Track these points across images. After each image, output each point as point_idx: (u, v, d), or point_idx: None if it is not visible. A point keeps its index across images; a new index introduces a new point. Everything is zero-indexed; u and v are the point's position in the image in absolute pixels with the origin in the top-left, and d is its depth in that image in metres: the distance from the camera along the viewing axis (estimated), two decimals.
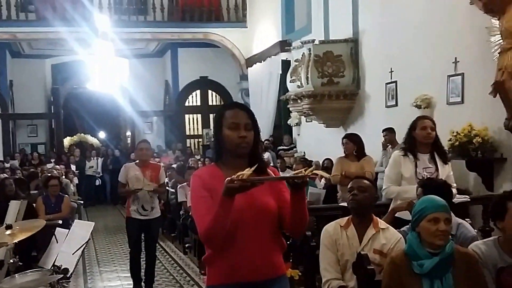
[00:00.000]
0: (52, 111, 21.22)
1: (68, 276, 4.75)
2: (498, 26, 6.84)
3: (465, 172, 7.54)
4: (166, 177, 9.90)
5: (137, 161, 7.56)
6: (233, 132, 2.89)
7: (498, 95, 6.88)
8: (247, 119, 2.94)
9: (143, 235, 7.57)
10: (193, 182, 3.00)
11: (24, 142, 20.86)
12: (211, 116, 20.86)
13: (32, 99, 20.29)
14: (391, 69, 9.64)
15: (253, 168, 2.63)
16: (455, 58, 8.01)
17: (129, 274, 8.09)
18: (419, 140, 5.28)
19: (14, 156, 18.52)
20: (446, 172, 5.28)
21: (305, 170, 2.72)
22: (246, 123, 2.92)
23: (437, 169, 5.25)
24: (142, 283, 7.59)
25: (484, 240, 3.81)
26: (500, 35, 6.79)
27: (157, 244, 8.09)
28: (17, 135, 20.88)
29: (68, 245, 5.30)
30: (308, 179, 2.73)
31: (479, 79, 7.53)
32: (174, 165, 14.27)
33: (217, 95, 20.94)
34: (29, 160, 18.46)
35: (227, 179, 2.60)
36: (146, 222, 7.35)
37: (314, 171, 2.73)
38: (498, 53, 6.82)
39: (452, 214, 3.59)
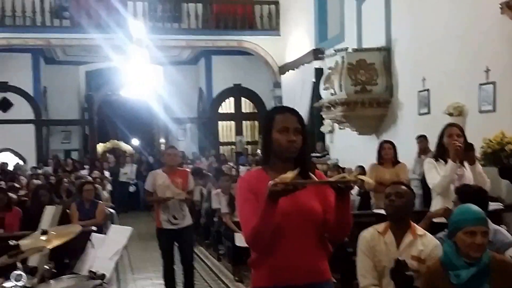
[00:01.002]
0: (86, 118, 21.40)
1: (105, 282, 4.60)
2: None
3: (497, 180, 7.66)
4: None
5: (164, 167, 7.32)
6: (283, 136, 2.91)
7: None
8: (297, 123, 2.96)
9: (176, 245, 7.31)
10: (240, 185, 3.03)
11: (57, 149, 20.99)
12: (244, 123, 21.25)
13: (66, 106, 20.51)
14: (423, 77, 9.92)
15: (295, 171, 2.63)
16: (487, 66, 8.25)
17: (163, 281, 8.12)
18: (447, 147, 5.43)
19: (48, 162, 18.69)
20: (474, 171, 5.45)
21: (349, 174, 2.74)
22: (295, 128, 2.93)
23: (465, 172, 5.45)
24: None
25: None
26: None
27: (193, 254, 7.77)
28: (51, 141, 21.07)
29: (105, 250, 5.27)
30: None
31: (511, 88, 7.77)
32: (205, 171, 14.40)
33: (250, 102, 21.18)
34: (62, 167, 18.36)
35: (270, 182, 2.61)
36: (178, 231, 7.08)
37: (357, 176, 2.82)
38: None
39: (488, 220, 3.65)
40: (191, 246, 7.57)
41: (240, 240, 8.42)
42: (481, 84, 8.40)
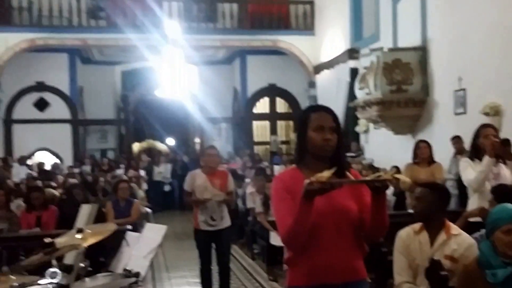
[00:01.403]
0: (122, 117, 21.67)
1: (140, 280, 4.58)
2: None
3: None
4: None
5: (203, 168, 7.17)
6: (318, 135, 2.92)
7: None
8: (332, 122, 2.96)
9: (214, 246, 7.19)
10: (275, 184, 3.03)
11: (93, 148, 21.31)
12: (279, 123, 21.27)
13: (102, 105, 20.74)
14: (459, 76, 9.91)
15: (332, 170, 2.64)
16: None
17: (199, 280, 8.13)
18: (482, 148, 5.46)
19: (84, 161, 18.89)
20: (509, 170, 5.53)
21: (384, 173, 2.76)
22: (331, 126, 2.94)
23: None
24: None
25: None
26: None
27: (230, 256, 7.59)
28: (87, 141, 21.32)
29: (140, 248, 5.27)
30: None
31: None
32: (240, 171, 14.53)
33: (285, 102, 21.20)
34: (99, 166, 18.46)
35: (306, 181, 2.62)
36: (216, 233, 6.99)
37: (394, 175, 2.76)
38: None
39: None
40: (229, 248, 7.41)
41: (275, 239, 8.50)
42: None
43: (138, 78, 21.60)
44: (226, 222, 7.11)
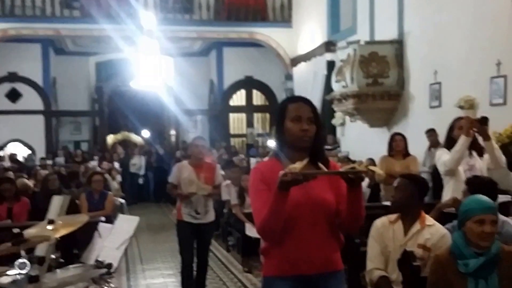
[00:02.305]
0: (96, 109, 21.58)
1: (112, 271, 4.51)
2: None
3: (506, 172, 7.59)
4: None
5: (190, 159, 6.94)
6: (295, 125, 2.95)
7: None
8: (310, 112, 2.99)
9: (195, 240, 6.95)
10: (253, 175, 3.06)
11: (67, 139, 21.21)
12: (255, 115, 21.38)
13: (76, 97, 20.65)
14: (435, 70, 10.08)
15: (305, 162, 2.68)
16: (498, 60, 8.42)
17: (173, 272, 8.25)
18: (457, 140, 5.56)
19: (57, 153, 18.90)
20: (484, 163, 5.64)
21: (359, 165, 2.79)
22: (308, 117, 2.97)
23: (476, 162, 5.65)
24: None
25: None
26: None
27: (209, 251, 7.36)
28: (60, 132, 21.21)
29: (112, 240, 5.16)
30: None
31: None
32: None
33: (261, 94, 21.31)
34: (72, 158, 18.60)
35: (280, 172, 2.65)
36: (199, 226, 6.75)
37: (368, 167, 2.79)
38: None
39: (497, 211, 3.74)
40: (209, 244, 7.18)
41: (250, 230, 8.65)
42: (492, 77, 8.57)
43: (113, 69, 21.53)
44: (211, 216, 6.88)
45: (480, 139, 5.67)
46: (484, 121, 5.53)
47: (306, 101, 3.05)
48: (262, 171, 3.02)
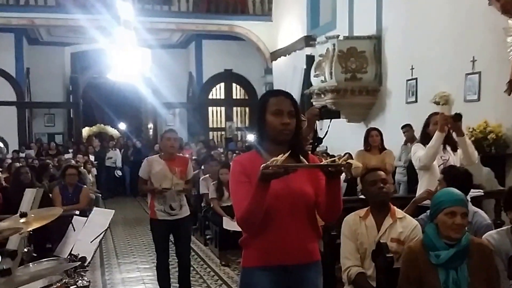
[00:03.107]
0: (71, 101, 21.56)
1: (85, 264, 4.57)
2: None
3: (479, 167, 8.04)
4: None
5: (162, 153, 6.80)
6: (276, 119, 3.06)
7: None
8: (291, 106, 3.09)
9: (172, 239, 6.86)
10: (234, 167, 3.15)
11: (40, 132, 21.25)
12: (235, 109, 21.60)
13: (50, 88, 20.67)
14: (412, 66, 10.39)
15: (286, 154, 2.76)
16: (473, 57, 8.72)
17: (149, 266, 8.36)
18: (432, 135, 5.82)
19: (30, 145, 18.88)
20: (458, 158, 5.88)
21: (339, 159, 2.87)
22: (289, 111, 3.07)
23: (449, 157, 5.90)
24: None
25: (498, 230, 4.07)
26: None
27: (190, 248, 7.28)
28: (33, 124, 21.23)
29: (86, 233, 5.20)
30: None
31: (495, 78, 8.22)
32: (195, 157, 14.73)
33: (241, 88, 21.52)
34: (46, 150, 18.65)
35: (262, 165, 2.74)
36: (175, 222, 6.61)
37: (347, 160, 2.86)
38: None
39: (469, 203, 3.97)
40: (189, 239, 7.05)
41: (228, 223, 8.86)
42: (467, 74, 8.86)
43: (89, 60, 21.50)
44: (186, 211, 6.73)
45: (454, 135, 5.89)
46: (458, 117, 5.72)
47: (287, 95, 3.17)
48: (242, 164, 3.13)
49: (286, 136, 3.08)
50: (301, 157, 3.01)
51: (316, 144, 4.61)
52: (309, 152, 3.35)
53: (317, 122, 4.83)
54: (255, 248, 3.13)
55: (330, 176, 2.91)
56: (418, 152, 5.92)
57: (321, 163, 3.08)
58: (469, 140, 6.11)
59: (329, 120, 4.71)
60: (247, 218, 2.97)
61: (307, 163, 2.98)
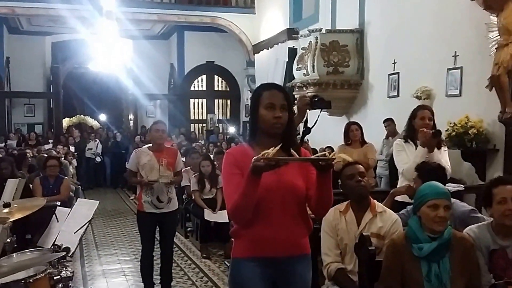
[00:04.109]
0: (51, 91, 21.38)
1: (69, 255, 4.57)
2: (496, 22, 7.55)
3: (460, 162, 8.23)
4: None
5: (150, 145, 6.76)
6: (269, 112, 3.10)
7: (493, 88, 7.59)
8: (283, 100, 3.14)
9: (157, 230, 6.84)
10: (226, 159, 3.19)
11: (20, 122, 21.11)
12: (216, 101, 21.60)
13: (30, 78, 20.58)
14: (394, 60, 10.44)
15: (277, 147, 2.80)
16: (455, 52, 8.77)
17: (129, 258, 8.31)
18: (418, 129, 5.75)
19: (9, 136, 18.69)
20: (440, 155, 5.78)
21: (329, 153, 2.89)
22: (282, 104, 3.12)
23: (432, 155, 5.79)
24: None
25: (479, 224, 4.06)
26: (497, 32, 7.52)
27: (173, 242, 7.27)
28: (13, 114, 21.10)
29: (70, 224, 5.15)
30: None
31: (477, 73, 8.27)
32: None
33: (223, 80, 21.49)
34: (25, 141, 18.50)
35: (254, 157, 2.80)
36: (162, 215, 6.60)
37: (339, 155, 2.97)
38: (495, 48, 7.53)
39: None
40: (174, 233, 7.10)
41: (209, 215, 8.89)
42: (449, 69, 8.91)
43: (70, 50, 21.23)
44: (174, 204, 6.73)
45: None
46: (437, 134, 5.69)
47: (279, 89, 3.21)
48: (235, 156, 3.18)
49: (278, 130, 3.12)
50: (292, 151, 3.01)
51: (304, 134, 4.60)
52: (301, 146, 3.35)
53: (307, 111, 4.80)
54: (245, 239, 3.17)
55: (321, 169, 2.93)
56: (401, 160, 5.85)
57: (312, 156, 3.08)
58: (446, 155, 5.90)
59: (319, 110, 4.64)
60: (238, 210, 3.02)
61: (298, 157, 3.01)
